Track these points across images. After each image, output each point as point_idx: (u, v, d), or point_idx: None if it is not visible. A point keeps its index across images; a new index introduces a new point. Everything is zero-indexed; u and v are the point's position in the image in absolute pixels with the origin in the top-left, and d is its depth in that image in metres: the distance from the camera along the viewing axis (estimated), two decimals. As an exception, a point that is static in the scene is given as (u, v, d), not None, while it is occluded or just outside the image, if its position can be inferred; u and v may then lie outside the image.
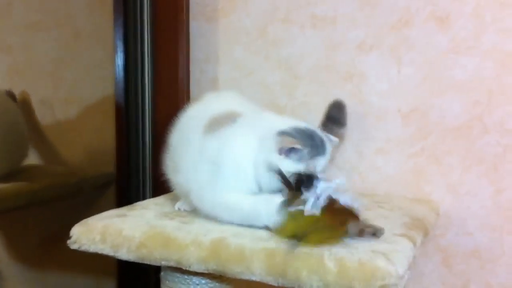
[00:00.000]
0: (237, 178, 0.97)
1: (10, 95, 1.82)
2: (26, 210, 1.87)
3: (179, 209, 1.10)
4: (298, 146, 0.94)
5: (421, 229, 1.02)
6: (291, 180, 0.92)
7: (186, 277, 1.00)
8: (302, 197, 0.88)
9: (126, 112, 1.54)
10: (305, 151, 0.96)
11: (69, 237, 0.99)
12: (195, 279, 1.00)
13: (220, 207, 0.98)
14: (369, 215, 1.07)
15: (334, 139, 1.06)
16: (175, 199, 1.18)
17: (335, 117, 1.19)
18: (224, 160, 0.98)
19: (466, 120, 1.27)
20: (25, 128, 1.85)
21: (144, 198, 1.54)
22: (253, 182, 0.97)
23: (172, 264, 0.92)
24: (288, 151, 0.95)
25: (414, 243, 0.92)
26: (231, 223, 0.96)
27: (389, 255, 0.81)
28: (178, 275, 1.00)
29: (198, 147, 1.03)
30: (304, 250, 0.83)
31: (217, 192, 0.97)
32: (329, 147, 1.01)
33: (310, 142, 0.97)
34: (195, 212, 1.06)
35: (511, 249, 1.25)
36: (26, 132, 1.85)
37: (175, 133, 1.13)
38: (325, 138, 1.01)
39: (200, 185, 1.01)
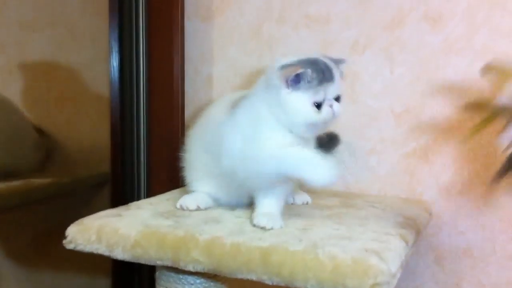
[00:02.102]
0: (272, 129, 1.00)
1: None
2: (20, 209, 1.87)
3: (181, 207, 1.10)
4: (301, 70, 0.96)
5: (414, 229, 1.03)
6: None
7: (181, 276, 1.00)
8: None
9: (120, 112, 1.54)
10: (311, 75, 0.97)
11: (64, 237, 1.00)
12: (190, 279, 1.00)
13: (267, 160, 0.97)
14: (361, 214, 1.09)
15: (342, 61, 1.04)
16: (171, 199, 1.19)
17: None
18: (253, 121, 1.01)
19: (457, 121, 1.28)
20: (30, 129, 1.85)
21: (138, 198, 1.54)
22: (285, 129, 1.00)
23: (167, 263, 0.92)
24: (294, 81, 0.97)
25: (407, 242, 0.94)
26: (279, 173, 0.97)
27: (381, 253, 0.83)
28: (173, 274, 1.01)
29: (226, 125, 1.05)
30: (299, 249, 0.84)
31: (262, 147, 0.98)
32: (336, 72, 1.00)
33: (315, 67, 0.97)
34: (193, 211, 1.07)
35: (502, 248, 1.27)
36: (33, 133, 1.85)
37: (197, 129, 1.19)
38: (330, 63, 1.00)
39: (235, 153, 1.01)
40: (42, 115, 2.00)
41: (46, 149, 1.87)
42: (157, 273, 1.05)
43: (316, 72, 0.97)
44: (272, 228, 0.96)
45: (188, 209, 1.09)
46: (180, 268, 0.92)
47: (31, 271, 2.04)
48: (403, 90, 1.32)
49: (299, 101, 0.97)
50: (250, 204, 1.10)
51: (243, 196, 1.10)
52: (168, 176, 1.50)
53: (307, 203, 1.19)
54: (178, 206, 1.11)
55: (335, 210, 1.12)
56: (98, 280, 1.92)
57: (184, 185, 1.21)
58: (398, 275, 0.83)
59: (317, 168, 0.95)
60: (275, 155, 0.97)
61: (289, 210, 1.10)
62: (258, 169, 0.98)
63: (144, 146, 1.55)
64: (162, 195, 1.25)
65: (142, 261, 0.94)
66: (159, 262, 0.93)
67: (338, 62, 1.03)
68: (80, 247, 0.98)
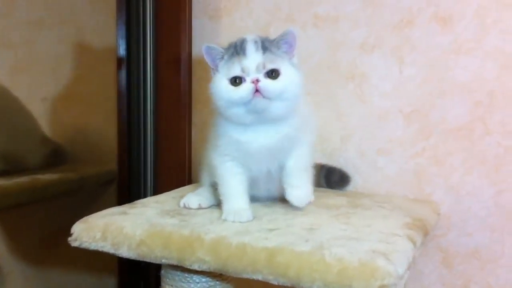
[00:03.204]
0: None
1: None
2: (27, 207, 1.87)
3: (184, 205, 1.10)
4: (212, 45, 0.97)
5: (422, 230, 1.02)
6: None
7: (186, 275, 1.00)
8: None
9: (128, 110, 1.55)
10: (223, 52, 0.97)
11: (70, 234, 1.00)
12: (196, 277, 1.00)
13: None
14: (369, 214, 1.08)
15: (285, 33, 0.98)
16: (177, 197, 1.18)
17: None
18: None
19: (467, 121, 1.27)
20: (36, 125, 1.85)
21: (145, 196, 1.54)
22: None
23: (172, 262, 0.92)
24: (209, 61, 0.98)
25: (414, 244, 0.93)
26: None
27: (389, 255, 0.82)
28: (178, 273, 1.01)
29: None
30: (305, 249, 0.83)
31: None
32: (252, 45, 0.95)
33: (229, 46, 0.98)
34: (197, 210, 1.07)
35: (511, 250, 1.25)
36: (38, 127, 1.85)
37: None
38: (251, 38, 0.96)
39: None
40: (50, 113, 2.00)
41: (52, 146, 1.87)
42: (162, 272, 1.04)
43: (228, 48, 0.97)
44: (309, 202, 1.06)
45: (190, 208, 1.09)
46: (185, 267, 0.91)
47: (37, 269, 2.05)
48: (412, 90, 1.31)
49: (217, 81, 0.97)
50: (277, 198, 1.13)
51: (274, 186, 1.10)
52: (174, 174, 1.50)
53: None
54: (181, 204, 1.10)
55: (342, 210, 1.11)
56: (104, 277, 1.92)
57: (191, 183, 1.20)
58: (406, 277, 0.82)
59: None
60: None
61: (295, 208, 1.09)
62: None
63: (151, 144, 1.55)
64: (168, 193, 1.25)
65: (148, 260, 0.94)
66: (164, 261, 0.93)
67: (280, 37, 0.98)
68: (85, 245, 0.98)
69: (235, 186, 1.04)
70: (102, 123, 1.91)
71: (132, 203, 1.13)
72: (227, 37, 1.48)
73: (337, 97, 1.38)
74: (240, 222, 0.98)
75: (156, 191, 1.53)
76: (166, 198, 1.18)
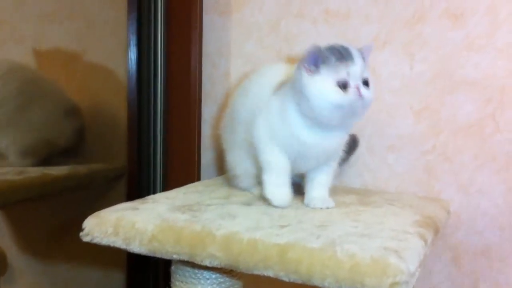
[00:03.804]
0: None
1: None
2: (36, 202, 1.88)
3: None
4: (314, 49, 0.96)
5: (432, 227, 1.02)
6: None
7: (196, 271, 1.00)
8: None
9: (138, 105, 1.55)
10: (329, 55, 0.96)
11: (80, 229, 1.00)
12: (206, 274, 1.00)
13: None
14: (379, 212, 1.08)
15: (366, 47, 1.02)
16: (187, 193, 1.19)
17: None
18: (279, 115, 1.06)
19: (478, 118, 1.26)
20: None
21: (154, 192, 1.54)
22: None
23: (184, 258, 0.92)
24: (311, 62, 0.96)
25: (425, 241, 0.93)
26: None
27: (400, 252, 0.81)
28: (188, 269, 1.01)
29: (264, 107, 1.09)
30: (317, 246, 0.83)
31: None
32: (356, 53, 0.98)
33: (331, 50, 0.97)
34: (206, 207, 1.07)
35: (521, 249, 1.25)
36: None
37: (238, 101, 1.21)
38: (349, 46, 0.99)
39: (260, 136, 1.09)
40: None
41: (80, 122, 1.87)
42: (172, 268, 1.05)
43: (333, 52, 0.97)
44: (327, 208, 1.07)
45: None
46: (196, 263, 0.92)
47: (45, 264, 2.06)
48: (422, 87, 1.31)
49: (322, 83, 0.96)
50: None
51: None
52: (184, 171, 1.50)
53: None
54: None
55: (352, 207, 1.11)
56: (113, 273, 1.92)
57: (200, 179, 1.21)
58: (417, 274, 0.82)
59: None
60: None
61: (305, 206, 1.10)
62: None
63: (161, 141, 1.55)
64: (179, 189, 1.25)
65: (159, 255, 0.94)
66: (175, 256, 0.93)
67: (361, 49, 1.00)
68: (96, 240, 0.98)
69: (282, 172, 1.09)
70: (111, 119, 1.91)
71: (143, 198, 1.13)
72: (237, 33, 1.49)
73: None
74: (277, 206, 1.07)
75: (166, 187, 1.53)
76: (176, 194, 1.18)
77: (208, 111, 1.54)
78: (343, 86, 0.95)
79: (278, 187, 1.08)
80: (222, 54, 1.52)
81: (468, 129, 1.27)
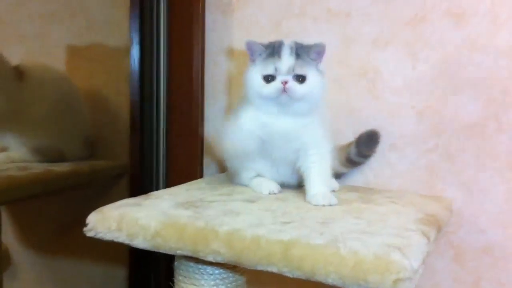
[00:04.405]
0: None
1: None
2: (39, 198, 1.88)
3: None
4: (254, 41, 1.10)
5: (435, 225, 1.02)
6: None
7: (200, 267, 1.01)
8: None
9: (140, 103, 1.55)
10: (262, 50, 1.10)
11: (84, 225, 1.00)
12: (209, 269, 1.00)
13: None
14: (381, 210, 1.08)
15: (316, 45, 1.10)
16: (190, 189, 1.19)
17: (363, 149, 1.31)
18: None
19: (480, 118, 1.27)
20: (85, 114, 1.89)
21: (157, 189, 1.54)
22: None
23: (187, 253, 0.92)
24: (250, 53, 1.11)
25: (428, 239, 0.93)
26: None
27: (404, 249, 0.82)
28: (192, 264, 1.01)
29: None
30: (320, 243, 0.83)
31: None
32: (288, 50, 1.07)
33: (268, 45, 1.10)
34: (209, 203, 1.07)
35: (523, 247, 1.26)
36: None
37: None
38: (289, 43, 1.09)
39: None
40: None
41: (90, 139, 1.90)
42: (175, 263, 1.05)
43: (268, 47, 1.09)
44: (330, 205, 1.08)
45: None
46: (199, 258, 0.92)
47: (48, 260, 2.06)
48: (425, 86, 1.31)
49: (253, 74, 1.10)
50: (298, 185, 1.20)
51: (286, 173, 1.20)
52: (187, 168, 1.50)
53: (333, 191, 1.22)
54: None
55: (354, 204, 1.11)
56: (115, 269, 1.92)
57: (203, 176, 1.21)
58: (420, 271, 0.82)
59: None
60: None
61: (307, 203, 1.10)
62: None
63: (163, 138, 1.55)
64: (182, 185, 1.25)
65: (162, 251, 0.94)
66: (179, 252, 0.93)
67: (308, 47, 1.10)
68: (100, 235, 0.98)
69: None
70: (114, 117, 1.92)
71: (146, 195, 1.13)
72: (239, 32, 1.49)
73: (349, 92, 1.38)
74: (262, 193, 1.15)
75: (168, 184, 1.53)
76: (179, 191, 1.19)
77: (210, 109, 1.54)
78: (269, 79, 1.08)
79: (258, 178, 1.19)
80: (224, 53, 1.52)
81: (471, 129, 1.28)
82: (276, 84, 1.07)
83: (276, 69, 1.07)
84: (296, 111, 1.10)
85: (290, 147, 1.14)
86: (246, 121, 1.13)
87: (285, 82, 1.06)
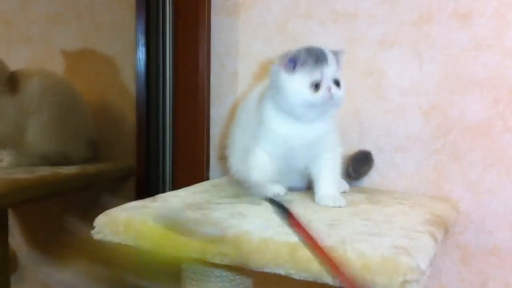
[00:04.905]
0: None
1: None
2: (46, 200, 1.89)
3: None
4: (295, 53, 1.06)
5: (442, 226, 1.02)
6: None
7: (207, 269, 1.01)
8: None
9: (146, 105, 1.55)
10: (305, 57, 1.06)
11: (91, 227, 1.00)
12: (216, 272, 1.01)
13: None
14: (389, 211, 1.08)
15: (340, 51, 1.11)
16: (197, 192, 1.19)
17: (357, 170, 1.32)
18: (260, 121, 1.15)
19: (486, 118, 1.26)
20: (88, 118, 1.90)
21: (163, 191, 1.54)
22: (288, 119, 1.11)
23: (194, 256, 0.92)
24: (290, 63, 1.06)
25: (436, 240, 0.93)
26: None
27: (411, 251, 0.82)
28: (199, 267, 1.01)
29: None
30: (328, 244, 0.83)
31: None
32: (331, 56, 1.08)
33: (308, 51, 1.07)
34: (215, 205, 1.07)
35: (530, 248, 1.25)
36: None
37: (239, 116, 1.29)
38: (325, 49, 1.08)
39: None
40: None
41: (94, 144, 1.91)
42: (183, 265, 1.05)
43: (310, 55, 1.06)
44: (339, 206, 1.09)
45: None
46: (207, 260, 0.92)
47: (55, 262, 2.06)
48: (431, 87, 1.31)
49: (297, 83, 1.06)
50: (306, 188, 1.20)
51: (296, 177, 1.21)
52: (193, 170, 1.51)
53: (344, 192, 1.23)
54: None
55: (361, 206, 1.11)
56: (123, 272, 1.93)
57: (209, 179, 1.21)
58: (428, 273, 0.82)
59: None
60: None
61: (314, 204, 1.10)
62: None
63: (170, 140, 1.56)
64: (189, 187, 1.25)
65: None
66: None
67: (336, 52, 1.10)
68: (108, 238, 0.98)
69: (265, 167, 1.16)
70: (120, 119, 1.92)
71: (152, 197, 1.14)
72: (245, 33, 1.49)
73: (355, 93, 1.38)
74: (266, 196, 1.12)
75: (174, 186, 1.53)
76: (186, 193, 1.19)
77: (216, 111, 1.54)
78: (316, 86, 1.06)
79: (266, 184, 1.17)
80: (230, 54, 1.53)
81: (477, 129, 1.27)
82: (324, 91, 1.05)
83: (322, 76, 1.06)
84: (330, 115, 1.12)
85: (310, 154, 1.14)
86: (268, 144, 1.14)
87: (330, 88, 1.06)
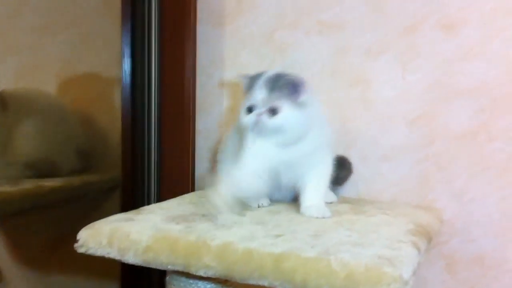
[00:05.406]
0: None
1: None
2: (31, 213, 1.88)
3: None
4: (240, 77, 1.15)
5: (425, 236, 1.02)
6: None
7: (191, 281, 1.00)
8: None
9: (132, 116, 1.55)
10: (249, 82, 1.12)
11: (74, 241, 0.99)
12: (201, 284, 1.00)
13: None
14: (373, 221, 1.08)
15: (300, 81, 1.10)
16: (182, 203, 1.19)
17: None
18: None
19: (471, 128, 1.27)
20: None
21: (149, 202, 1.54)
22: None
23: (178, 268, 0.92)
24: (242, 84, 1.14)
25: (419, 250, 0.93)
26: None
27: (394, 260, 0.82)
28: (183, 279, 1.01)
29: None
30: (312, 255, 0.84)
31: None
32: (263, 84, 1.09)
33: (251, 78, 1.13)
34: (200, 217, 1.07)
35: (514, 257, 1.26)
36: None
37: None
38: (269, 77, 1.10)
39: None
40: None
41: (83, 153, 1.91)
42: (167, 278, 1.05)
43: (250, 80, 1.13)
44: (323, 217, 1.09)
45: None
46: (191, 273, 0.92)
47: (39, 275, 2.05)
48: (416, 97, 1.32)
49: (242, 105, 1.12)
50: (293, 199, 1.20)
51: (283, 192, 1.21)
52: (179, 181, 1.50)
53: (331, 203, 1.24)
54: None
55: (346, 216, 1.11)
56: (107, 284, 1.92)
57: (195, 190, 1.21)
58: (411, 283, 0.82)
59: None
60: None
61: (299, 216, 1.10)
62: None
63: (155, 151, 1.55)
64: (173, 199, 1.25)
65: (153, 266, 0.94)
66: (170, 267, 0.93)
67: (285, 82, 1.09)
68: (91, 251, 0.98)
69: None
70: (106, 130, 1.92)
71: (137, 209, 1.13)
72: (231, 44, 1.50)
73: (341, 103, 1.38)
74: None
75: (160, 198, 1.52)
76: (171, 205, 1.19)
77: (202, 122, 1.54)
78: (249, 110, 1.10)
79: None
80: (217, 65, 1.53)
81: (461, 138, 1.28)
82: (251, 116, 1.09)
83: (252, 102, 1.09)
84: (284, 141, 1.10)
85: (296, 173, 1.15)
86: (251, 160, 1.12)
87: (259, 114, 1.08)
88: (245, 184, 1.10)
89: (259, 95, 1.09)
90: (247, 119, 1.09)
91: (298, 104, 1.08)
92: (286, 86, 1.08)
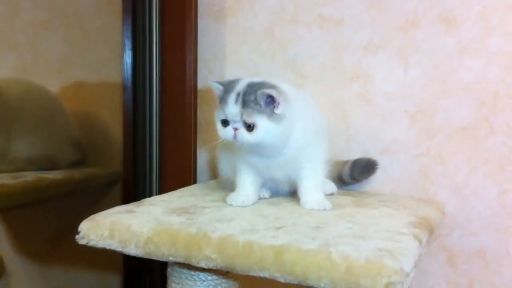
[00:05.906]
0: None
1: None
2: (32, 206, 1.88)
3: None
4: (215, 83, 1.08)
5: (427, 228, 1.02)
6: None
7: (193, 273, 1.00)
8: None
9: (133, 110, 1.55)
10: (219, 88, 1.07)
11: (76, 233, 1.00)
12: (202, 275, 1.00)
13: None
14: (374, 213, 1.08)
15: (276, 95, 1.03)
16: (183, 196, 1.19)
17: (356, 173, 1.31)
18: None
19: (472, 121, 1.27)
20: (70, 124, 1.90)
21: (150, 195, 1.54)
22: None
23: (179, 260, 0.92)
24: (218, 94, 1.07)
25: (420, 242, 0.93)
26: None
27: (395, 253, 0.82)
28: (185, 271, 1.01)
29: None
30: (312, 247, 0.84)
31: None
32: (233, 99, 1.03)
33: (228, 85, 1.06)
34: (201, 209, 1.07)
35: (515, 250, 1.26)
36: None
37: None
38: (241, 87, 1.04)
39: None
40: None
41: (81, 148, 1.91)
42: (169, 270, 1.05)
43: (223, 89, 1.07)
44: (324, 209, 1.08)
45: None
46: (192, 265, 0.92)
47: (41, 268, 2.05)
48: (416, 91, 1.32)
49: (216, 115, 1.08)
50: (290, 193, 1.20)
51: (281, 185, 1.20)
52: (180, 174, 1.50)
53: (331, 194, 1.24)
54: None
55: (347, 209, 1.11)
56: (109, 276, 1.92)
57: (196, 182, 1.21)
58: (412, 275, 0.82)
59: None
60: None
61: (300, 208, 1.11)
62: None
63: (157, 144, 1.55)
64: (174, 192, 1.25)
65: (155, 257, 0.94)
66: (171, 259, 0.93)
67: (257, 95, 1.03)
68: (92, 243, 0.98)
69: (245, 180, 1.16)
70: (107, 124, 1.92)
71: (138, 201, 1.13)
72: (232, 38, 1.50)
73: (341, 97, 1.38)
74: (232, 205, 1.12)
75: (162, 190, 1.53)
76: (172, 197, 1.19)
77: (203, 115, 1.54)
78: (224, 123, 1.06)
79: (239, 195, 1.14)
80: (217, 59, 1.53)
81: (462, 132, 1.28)
82: (228, 130, 1.05)
83: (228, 114, 1.04)
84: (266, 153, 1.10)
85: (288, 170, 1.14)
86: (246, 164, 1.15)
87: (236, 129, 1.04)
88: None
89: (233, 109, 1.03)
90: (225, 134, 1.05)
91: (274, 116, 1.03)
92: (261, 99, 1.02)
